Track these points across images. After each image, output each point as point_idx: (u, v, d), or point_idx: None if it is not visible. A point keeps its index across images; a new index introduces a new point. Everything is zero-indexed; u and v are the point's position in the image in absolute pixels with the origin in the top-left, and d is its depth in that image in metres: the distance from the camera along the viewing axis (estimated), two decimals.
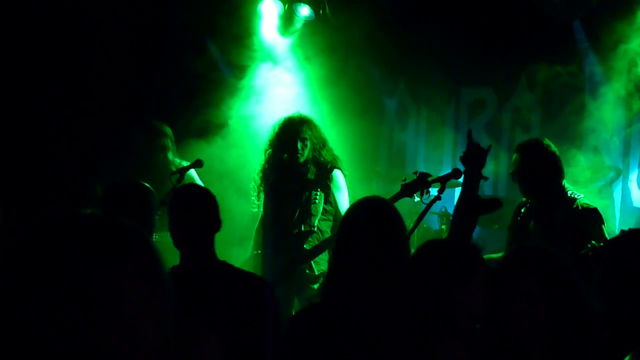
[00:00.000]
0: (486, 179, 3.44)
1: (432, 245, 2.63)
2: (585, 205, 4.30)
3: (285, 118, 5.18)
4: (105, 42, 6.32)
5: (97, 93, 6.32)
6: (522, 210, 4.56)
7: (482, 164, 3.41)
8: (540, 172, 4.35)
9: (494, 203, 3.41)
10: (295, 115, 5.18)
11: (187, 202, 3.09)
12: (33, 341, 0.92)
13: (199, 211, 3.03)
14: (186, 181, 4.93)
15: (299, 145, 4.98)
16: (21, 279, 0.95)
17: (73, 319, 0.93)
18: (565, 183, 4.43)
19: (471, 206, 3.31)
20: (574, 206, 4.29)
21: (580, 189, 4.73)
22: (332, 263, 2.91)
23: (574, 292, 2.44)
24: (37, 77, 6.06)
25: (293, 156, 5.00)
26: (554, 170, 4.37)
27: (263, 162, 5.21)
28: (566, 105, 6.78)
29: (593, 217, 4.26)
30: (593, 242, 4.04)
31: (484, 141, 3.74)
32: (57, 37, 6.15)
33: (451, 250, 2.52)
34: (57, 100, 6.17)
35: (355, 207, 2.94)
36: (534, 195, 4.43)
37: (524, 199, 4.59)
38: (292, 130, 5.04)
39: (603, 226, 4.27)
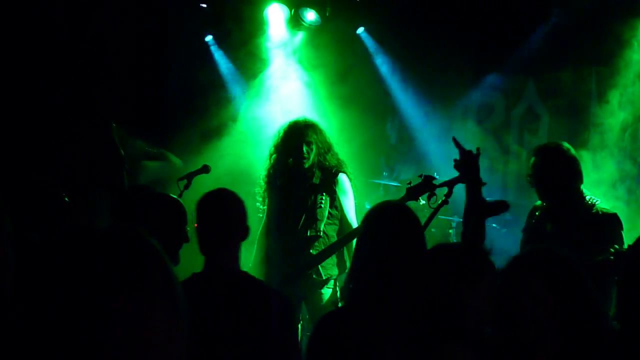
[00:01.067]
0: (484, 184, 3.41)
1: (441, 249, 2.64)
2: (604, 211, 4.27)
3: (290, 122, 5.15)
4: (113, 50, 6.35)
5: (104, 98, 6.34)
6: (537, 213, 4.51)
7: (477, 169, 3.39)
8: (558, 175, 4.30)
9: (501, 205, 3.41)
10: (301, 119, 5.15)
11: (217, 208, 2.97)
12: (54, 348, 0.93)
13: (229, 217, 2.94)
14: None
15: (305, 149, 4.96)
16: (39, 292, 0.96)
17: (80, 332, 0.93)
18: (584, 189, 4.37)
19: (478, 209, 3.31)
20: (594, 211, 4.25)
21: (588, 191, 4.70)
22: (353, 267, 2.89)
23: (584, 296, 2.43)
24: (44, 80, 6.08)
25: (298, 161, 4.98)
26: (573, 174, 4.31)
27: (268, 167, 5.18)
28: (574, 107, 6.77)
29: (613, 222, 4.22)
30: (616, 246, 3.99)
31: (492, 145, 3.73)
32: (65, 41, 6.17)
33: (460, 253, 2.53)
34: (64, 104, 6.19)
35: (375, 211, 2.94)
36: (550, 198, 4.38)
37: (539, 202, 4.54)
38: (297, 135, 5.02)
39: (622, 232, 4.22)
